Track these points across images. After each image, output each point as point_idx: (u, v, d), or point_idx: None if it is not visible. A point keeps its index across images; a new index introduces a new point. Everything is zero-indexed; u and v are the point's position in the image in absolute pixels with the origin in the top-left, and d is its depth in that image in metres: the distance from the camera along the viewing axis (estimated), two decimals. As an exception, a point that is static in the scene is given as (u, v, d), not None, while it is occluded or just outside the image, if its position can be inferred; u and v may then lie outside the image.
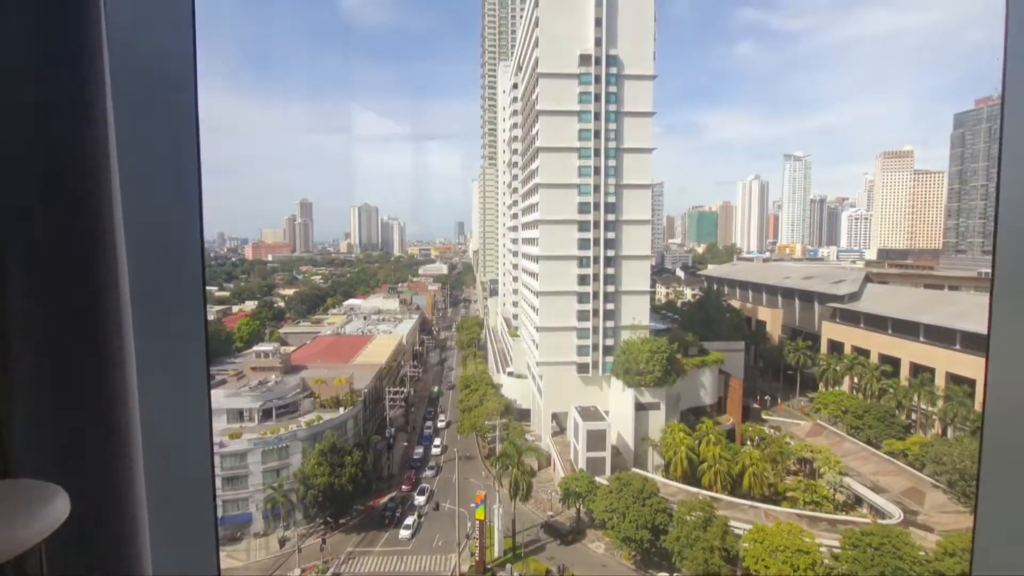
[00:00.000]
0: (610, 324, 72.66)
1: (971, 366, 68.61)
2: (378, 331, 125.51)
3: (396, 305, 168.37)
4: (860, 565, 42.96)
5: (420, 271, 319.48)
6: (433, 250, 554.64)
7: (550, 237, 72.01)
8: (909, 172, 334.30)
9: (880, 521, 50.88)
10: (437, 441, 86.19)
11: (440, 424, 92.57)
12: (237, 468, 62.73)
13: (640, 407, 67.55)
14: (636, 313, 72.79)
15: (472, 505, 60.98)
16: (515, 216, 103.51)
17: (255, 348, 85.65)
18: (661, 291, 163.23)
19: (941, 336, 73.76)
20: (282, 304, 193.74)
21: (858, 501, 59.20)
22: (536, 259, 74.51)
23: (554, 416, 77.19)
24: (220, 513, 61.89)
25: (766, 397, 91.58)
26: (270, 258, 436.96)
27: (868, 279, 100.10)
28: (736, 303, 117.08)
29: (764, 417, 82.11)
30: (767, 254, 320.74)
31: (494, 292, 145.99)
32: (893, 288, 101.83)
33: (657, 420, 67.53)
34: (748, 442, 70.31)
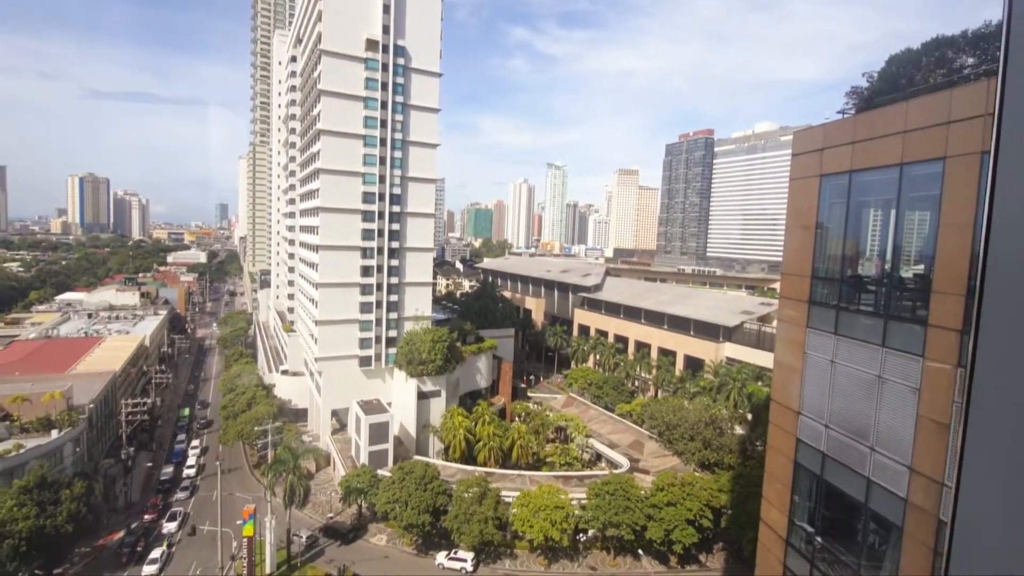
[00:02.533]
0: (393, 316, 73.00)
1: (672, 341, 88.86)
2: (110, 331, 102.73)
3: (136, 299, 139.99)
4: (601, 511, 52.30)
5: (170, 259, 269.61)
6: (188, 235, 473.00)
7: (332, 226, 68.71)
8: (635, 187, 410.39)
9: (614, 471, 62.36)
10: (192, 458, 74.95)
11: (195, 442, 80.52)
12: None
13: (422, 395, 69.72)
14: (419, 304, 74.60)
15: (238, 522, 55.33)
16: (292, 201, 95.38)
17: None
18: (442, 282, 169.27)
19: (654, 319, 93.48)
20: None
21: (599, 457, 71.56)
22: (316, 248, 70.25)
23: (334, 413, 74.36)
24: None
25: (531, 376, 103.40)
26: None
27: (608, 273, 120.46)
28: (508, 293, 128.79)
29: (529, 395, 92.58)
30: (533, 249, 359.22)
31: (266, 284, 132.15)
32: (624, 280, 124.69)
33: (438, 406, 70.63)
34: (516, 418, 78.67)
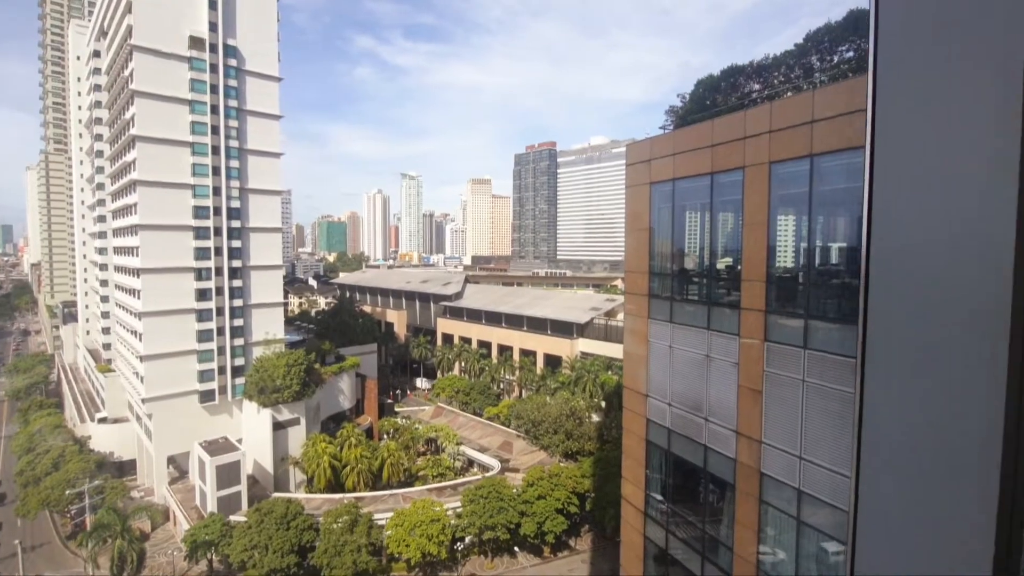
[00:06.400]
0: (239, 342, 66.02)
1: (532, 342, 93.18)
2: None
3: None
4: (476, 516, 52.75)
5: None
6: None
7: (156, 245, 59.96)
8: (489, 196, 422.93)
9: (486, 475, 63.31)
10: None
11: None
12: None
13: (279, 426, 64.05)
14: (270, 327, 68.41)
15: (48, 606, 45.79)
16: (102, 219, 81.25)
17: None
18: (294, 301, 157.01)
19: (514, 322, 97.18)
20: None
21: (471, 463, 72.09)
22: (137, 272, 60.83)
23: (171, 460, 65.01)
24: None
25: (398, 391, 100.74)
26: None
27: (468, 280, 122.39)
28: (368, 308, 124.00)
29: (397, 409, 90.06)
30: (391, 261, 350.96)
31: (71, 318, 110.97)
32: (484, 287, 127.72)
33: (298, 435, 65.45)
34: (385, 435, 76.01)
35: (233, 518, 53.90)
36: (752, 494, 14.79)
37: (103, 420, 75.45)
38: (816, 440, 12.82)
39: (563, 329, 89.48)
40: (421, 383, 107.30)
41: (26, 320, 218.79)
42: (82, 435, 74.73)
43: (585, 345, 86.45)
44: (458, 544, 55.08)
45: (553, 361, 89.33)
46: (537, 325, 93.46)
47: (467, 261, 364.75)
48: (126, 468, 71.47)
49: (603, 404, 74.26)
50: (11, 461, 75.79)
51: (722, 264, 16.52)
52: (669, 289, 18.06)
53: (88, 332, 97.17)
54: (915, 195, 1.79)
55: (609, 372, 77.35)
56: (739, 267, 15.05)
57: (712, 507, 17.06)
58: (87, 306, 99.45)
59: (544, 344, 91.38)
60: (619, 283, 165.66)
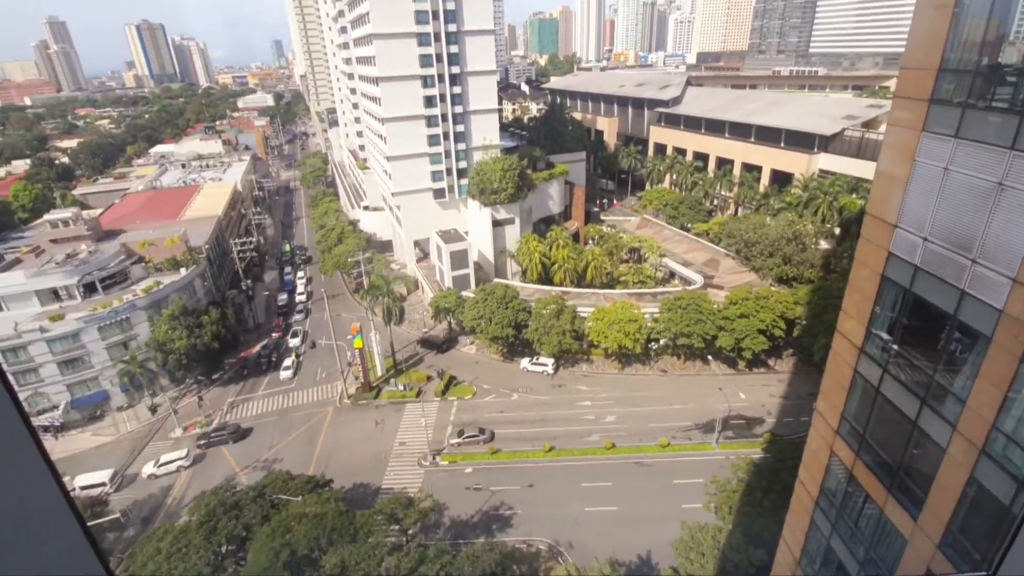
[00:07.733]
0: (461, 146, 72.04)
1: (759, 155, 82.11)
2: (204, 180, 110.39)
3: (219, 147, 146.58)
4: (673, 323, 55.02)
5: (240, 104, 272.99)
6: (250, 77, 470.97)
7: (388, 54, 65.11)
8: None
9: (687, 288, 63.86)
10: (301, 286, 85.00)
11: (300, 273, 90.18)
12: (72, 350, 57.17)
13: (497, 223, 71.72)
14: (486, 133, 72.54)
15: (348, 337, 63.98)
16: (343, 30, 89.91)
17: (47, 217, 70.97)
18: (508, 107, 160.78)
19: (739, 131, 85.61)
20: (66, 160, 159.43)
21: (672, 275, 72.86)
22: (375, 81, 67.93)
23: (416, 243, 79.13)
24: (68, 397, 57.95)
25: (604, 200, 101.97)
26: (28, 101, 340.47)
27: (689, 83, 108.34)
28: (577, 114, 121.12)
29: (603, 218, 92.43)
30: (604, 63, 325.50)
31: (334, 123, 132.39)
32: (707, 90, 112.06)
33: (513, 233, 72.88)
34: (590, 241, 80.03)
35: (464, 293, 65.48)
36: (1014, 352, 12.38)
37: (367, 208, 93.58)
38: None
39: (801, 141, 76.45)
40: (628, 194, 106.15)
41: (304, 124, 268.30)
42: (353, 219, 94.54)
43: (827, 162, 73.51)
44: (652, 344, 59.27)
45: (781, 179, 78.95)
46: (767, 136, 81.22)
47: (691, 60, 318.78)
48: (385, 247, 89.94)
49: (836, 231, 65.25)
50: (311, 234, 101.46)
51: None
52: (964, 92, 13.53)
53: (348, 135, 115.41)
54: None
55: (854, 195, 65.94)
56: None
57: (951, 356, 14.91)
58: (343, 112, 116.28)
59: (773, 158, 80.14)
60: (891, 84, 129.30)
